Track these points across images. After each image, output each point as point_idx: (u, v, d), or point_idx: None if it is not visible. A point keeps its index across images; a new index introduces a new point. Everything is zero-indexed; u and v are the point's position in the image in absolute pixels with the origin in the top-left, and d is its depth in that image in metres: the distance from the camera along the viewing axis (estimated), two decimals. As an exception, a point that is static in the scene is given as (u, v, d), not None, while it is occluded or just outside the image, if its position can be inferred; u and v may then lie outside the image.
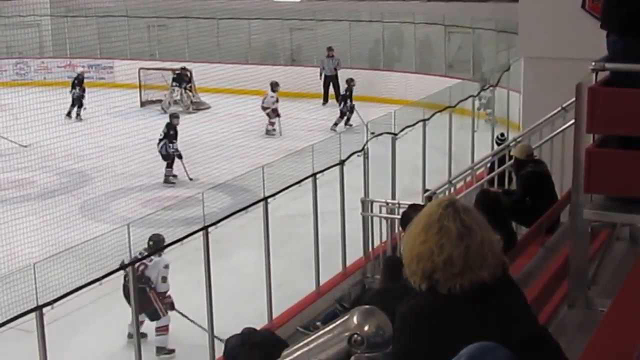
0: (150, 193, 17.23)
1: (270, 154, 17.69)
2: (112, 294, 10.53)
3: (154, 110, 25.70)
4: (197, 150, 20.63)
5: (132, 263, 9.68)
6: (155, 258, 10.82)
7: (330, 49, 26.58)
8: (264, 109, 23.20)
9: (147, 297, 10.76)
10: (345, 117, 23.29)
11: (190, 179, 18.50)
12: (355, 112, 23.02)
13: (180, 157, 18.91)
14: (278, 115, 23.09)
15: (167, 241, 10.41)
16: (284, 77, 25.66)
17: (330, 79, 26.30)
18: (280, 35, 29.44)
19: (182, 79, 26.47)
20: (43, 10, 31.49)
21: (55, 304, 8.39)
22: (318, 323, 9.62)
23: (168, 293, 11.01)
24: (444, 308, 2.90)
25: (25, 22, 30.33)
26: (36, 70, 31.03)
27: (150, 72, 27.12)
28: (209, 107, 26.11)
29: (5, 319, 8.38)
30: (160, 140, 19.05)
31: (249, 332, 4.06)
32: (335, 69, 26.26)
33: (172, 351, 10.98)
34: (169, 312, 10.95)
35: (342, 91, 24.35)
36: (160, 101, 26.38)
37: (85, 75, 26.52)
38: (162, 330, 10.95)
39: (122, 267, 9.65)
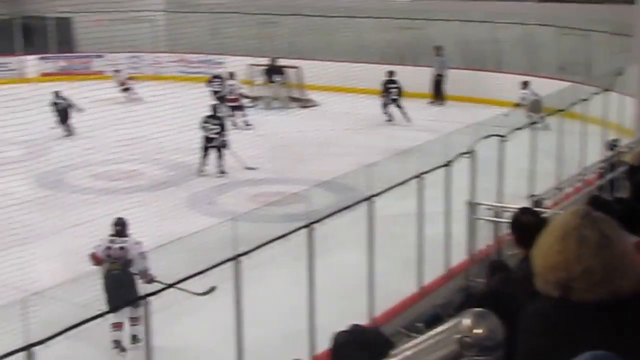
0: (257, 188, 17.41)
1: (377, 153, 17.67)
2: (218, 285, 10.65)
3: (266, 107, 25.99)
4: (304, 147, 20.79)
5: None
6: (125, 239, 10.92)
7: (438, 48, 26.44)
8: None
9: (130, 283, 10.57)
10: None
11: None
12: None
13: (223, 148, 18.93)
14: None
15: (272, 237, 10.50)
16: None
17: (438, 79, 26.18)
18: (390, 34, 29.39)
19: (275, 72, 26.61)
20: (158, 6, 32.14)
21: (160, 294, 8.55)
22: (419, 324, 9.58)
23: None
24: (577, 317, 2.83)
25: (140, 17, 31.00)
26: (149, 64, 31.71)
27: (259, 68, 27.39)
28: (317, 105, 26.25)
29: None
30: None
31: (358, 330, 4.05)
32: (444, 69, 26.13)
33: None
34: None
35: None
36: (264, 97, 26.63)
37: (197, 70, 26.94)
38: (138, 320, 10.26)
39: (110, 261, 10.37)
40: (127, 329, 10.76)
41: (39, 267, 12.88)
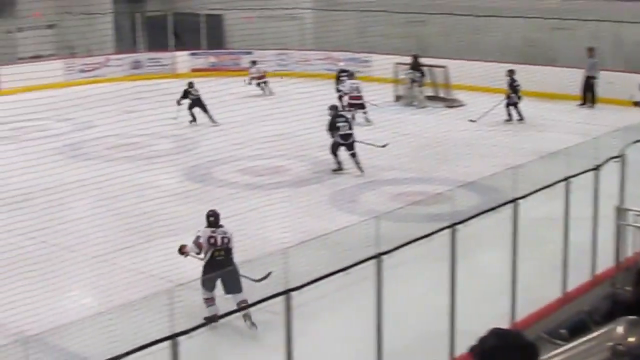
0: (401, 187, 17.36)
1: (523, 154, 17.41)
2: (357, 284, 10.69)
3: (407, 105, 25.94)
4: (449, 147, 20.64)
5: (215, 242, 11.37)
6: (224, 230, 11.70)
7: (591, 49, 25.81)
8: None
9: (233, 269, 11.29)
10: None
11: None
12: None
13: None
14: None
15: (414, 237, 10.46)
16: (541, 77, 25.22)
17: (589, 81, 25.56)
18: (539, 34, 28.84)
19: (415, 70, 26.45)
20: (306, 4, 32.45)
21: (303, 289, 8.61)
22: (563, 331, 9.36)
23: None
24: None
25: (289, 14, 31.37)
26: (297, 62, 32.05)
27: (405, 67, 27.30)
28: (463, 105, 26.01)
29: (255, 300, 8.70)
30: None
31: (506, 335, 3.98)
32: (595, 71, 25.50)
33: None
34: None
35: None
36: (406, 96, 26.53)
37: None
38: (246, 302, 10.77)
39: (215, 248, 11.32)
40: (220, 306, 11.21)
41: (185, 259, 13.19)
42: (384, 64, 27.01)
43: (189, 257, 11.82)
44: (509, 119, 23.49)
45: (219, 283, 11.29)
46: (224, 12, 33.66)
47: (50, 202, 14.91)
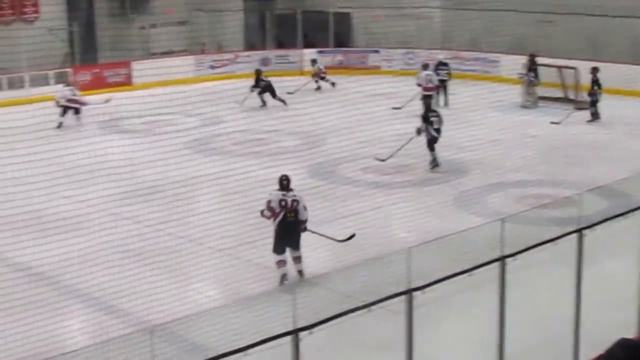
0: (527, 190, 17.10)
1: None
2: (483, 286, 10.58)
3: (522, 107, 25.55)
4: (578, 149, 20.25)
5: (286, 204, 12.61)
6: (293, 194, 12.81)
7: None
8: None
9: (299, 229, 12.76)
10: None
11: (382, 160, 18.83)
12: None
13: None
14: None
15: (540, 240, 10.30)
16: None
17: None
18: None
19: (531, 70, 26.01)
20: (434, 3, 32.27)
21: (425, 290, 8.57)
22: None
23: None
24: None
25: (416, 13, 31.23)
26: (423, 61, 31.88)
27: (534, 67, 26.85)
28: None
29: (376, 299, 8.69)
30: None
31: (637, 347, 3.89)
32: None
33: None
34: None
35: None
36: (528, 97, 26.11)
37: (471, 68, 26.83)
38: (300, 259, 12.68)
39: (286, 209, 12.58)
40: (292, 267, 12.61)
41: (309, 254, 13.30)
42: (513, 64, 26.63)
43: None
44: (592, 119, 23.08)
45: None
46: (352, 11, 33.76)
47: (178, 195, 15.24)
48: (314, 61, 29.61)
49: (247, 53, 33.35)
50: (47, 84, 29.27)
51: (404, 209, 15.49)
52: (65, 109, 24.23)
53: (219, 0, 32.59)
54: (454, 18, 31.61)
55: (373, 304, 8.77)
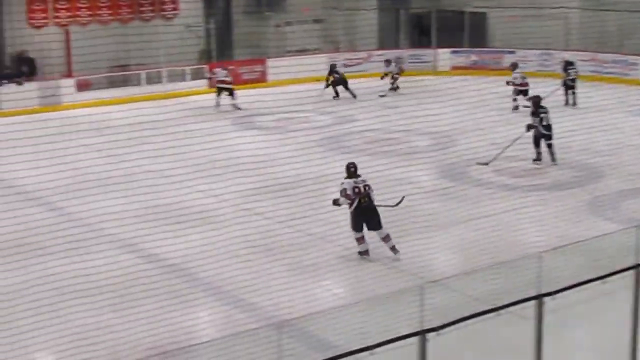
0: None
1: None
2: (615, 294, 10.33)
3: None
4: None
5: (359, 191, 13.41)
6: (362, 179, 13.58)
7: None
8: None
9: (376, 211, 13.51)
10: None
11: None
12: None
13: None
14: None
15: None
16: None
17: None
18: None
19: None
20: (572, 3, 31.61)
21: (556, 295, 8.43)
22: None
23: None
24: None
25: (554, 14, 30.67)
26: (559, 62, 31.30)
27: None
28: None
29: (505, 303, 8.60)
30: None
31: None
32: None
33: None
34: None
35: None
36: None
37: (609, 70, 26.23)
38: (388, 237, 13.47)
39: (360, 195, 13.37)
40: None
41: (437, 256, 13.24)
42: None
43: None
44: None
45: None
46: (488, 10, 33.38)
47: (309, 192, 15.36)
48: (387, 61, 29.37)
49: (380, 52, 33.36)
50: (184, 80, 29.98)
51: (535, 213, 15.26)
52: (219, 90, 26.87)
53: (353, -1, 32.83)
54: (592, 19, 30.90)
55: (502, 308, 8.68)
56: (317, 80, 28.07)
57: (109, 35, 26.84)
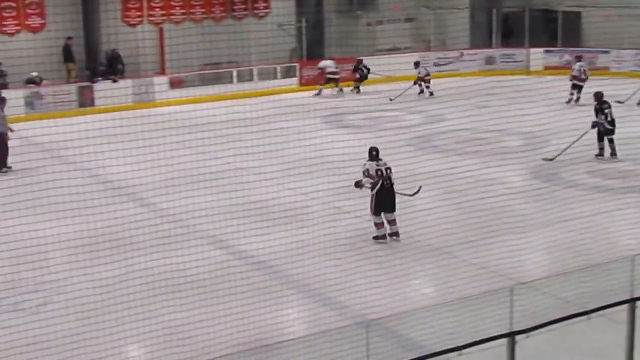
0: None
1: None
2: None
3: None
4: None
5: (382, 173, 13.97)
6: (384, 162, 14.14)
7: None
8: None
9: (394, 194, 14.07)
10: None
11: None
12: None
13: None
14: None
15: None
16: None
17: None
18: None
19: None
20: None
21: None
22: None
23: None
24: None
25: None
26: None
27: None
28: None
29: (596, 307, 8.46)
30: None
31: None
32: None
33: None
34: None
35: None
36: None
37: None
38: (395, 222, 14.05)
39: (382, 177, 13.91)
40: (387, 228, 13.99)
41: (528, 257, 13.08)
42: None
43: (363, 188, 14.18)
44: None
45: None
46: (582, 10, 32.85)
47: (398, 191, 15.32)
48: (417, 64, 29.08)
49: (472, 51, 33.12)
50: (275, 78, 30.18)
51: (628, 215, 14.96)
52: (329, 81, 29.34)
53: (445, -2, 32.68)
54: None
55: (593, 311, 8.54)
56: (408, 79, 28.03)
57: (202, 34, 27.21)
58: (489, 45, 33.77)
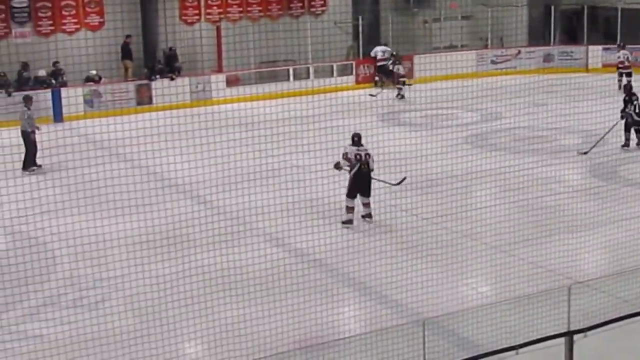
0: None
1: None
2: None
3: None
4: None
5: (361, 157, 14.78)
6: (365, 148, 14.93)
7: None
8: None
9: (370, 179, 14.89)
10: None
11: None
12: None
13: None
14: None
15: None
16: None
17: None
18: None
19: None
20: None
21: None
22: None
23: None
24: None
25: None
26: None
27: None
28: None
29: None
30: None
31: None
32: None
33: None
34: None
35: None
36: None
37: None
38: (369, 205, 14.87)
39: (360, 162, 14.75)
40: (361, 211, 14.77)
41: (586, 256, 12.95)
42: None
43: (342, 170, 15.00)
44: None
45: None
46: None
47: (455, 189, 15.28)
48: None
49: (530, 48, 32.83)
50: (331, 76, 30.19)
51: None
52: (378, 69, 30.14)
53: (503, -5, 32.42)
54: None
55: (633, 315, 8.46)
56: (465, 77, 27.86)
57: (259, 32, 27.31)
58: (547, 43, 33.44)
